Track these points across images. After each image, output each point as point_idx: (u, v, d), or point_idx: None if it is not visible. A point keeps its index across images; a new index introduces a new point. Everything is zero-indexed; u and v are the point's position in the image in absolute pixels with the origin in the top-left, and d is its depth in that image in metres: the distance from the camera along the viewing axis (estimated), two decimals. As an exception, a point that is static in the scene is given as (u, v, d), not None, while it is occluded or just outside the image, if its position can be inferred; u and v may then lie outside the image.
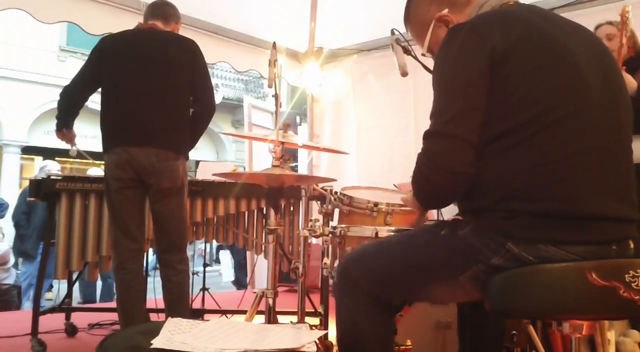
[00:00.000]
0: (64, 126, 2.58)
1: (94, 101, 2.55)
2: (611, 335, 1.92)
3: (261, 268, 3.92)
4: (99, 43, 2.50)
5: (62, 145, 2.66)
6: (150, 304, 2.54)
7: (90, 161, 2.70)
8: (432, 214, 2.42)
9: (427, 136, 1.21)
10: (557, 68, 1.17)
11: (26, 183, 8.67)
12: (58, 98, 2.52)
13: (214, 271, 8.32)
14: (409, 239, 1.39)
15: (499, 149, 1.16)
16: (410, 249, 1.33)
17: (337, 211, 2.14)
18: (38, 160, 11.69)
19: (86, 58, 2.53)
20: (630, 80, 2.17)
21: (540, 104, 1.14)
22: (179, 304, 2.48)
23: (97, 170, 4.61)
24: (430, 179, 1.19)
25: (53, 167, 5.14)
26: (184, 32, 2.70)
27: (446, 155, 1.17)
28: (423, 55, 1.44)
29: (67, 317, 3.25)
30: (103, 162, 2.45)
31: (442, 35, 1.28)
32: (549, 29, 1.21)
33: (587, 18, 2.53)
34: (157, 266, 2.54)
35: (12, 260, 5.51)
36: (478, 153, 1.17)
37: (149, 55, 2.43)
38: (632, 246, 1.15)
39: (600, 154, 1.15)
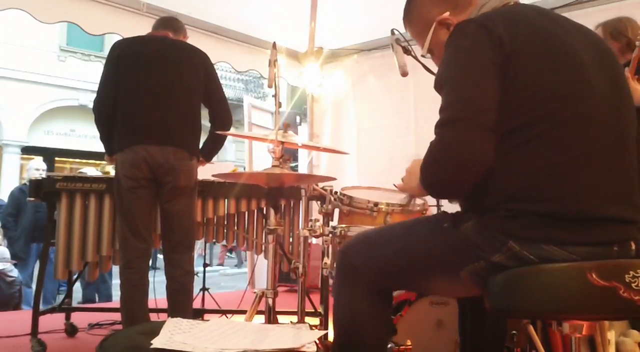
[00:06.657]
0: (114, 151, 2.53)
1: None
2: (611, 335, 1.92)
3: (261, 268, 3.92)
4: (113, 48, 2.51)
5: (62, 145, 2.67)
6: (150, 304, 2.54)
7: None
8: (431, 210, 2.41)
9: (442, 124, 1.15)
10: (563, 69, 1.16)
11: (26, 183, 8.66)
12: (94, 115, 2.49)
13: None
14: (411, 229, 1.38)
15: (502, 149, 1.15)
16: (412, 240, 1.32)
17: (337, 211, 2.14)
18: (38, 160, 11.70)
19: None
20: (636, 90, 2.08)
21: (545, 106, 1.13)
22: (183, 305, 2.48)
23: (94, 170, 4.60)
24: (446, 168, 1.14)
25: (39, 166, 5.19)
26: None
27: (465, 143, 1.12)
28: (423, 56, 1.42)
29: (67, 317, 3.25)
30: (101, 162, 2.45)
31: (444, 37, 1.26)
32: (554, 29, 1.20)
33: (587, 18, 2.53)
34: (156, 265, 2.54)
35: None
36: (496, 142, 1.13)
37: (165, 57, 2.48)
38: (633, 247, 1.15)
39: (604, 156, 1.15)
